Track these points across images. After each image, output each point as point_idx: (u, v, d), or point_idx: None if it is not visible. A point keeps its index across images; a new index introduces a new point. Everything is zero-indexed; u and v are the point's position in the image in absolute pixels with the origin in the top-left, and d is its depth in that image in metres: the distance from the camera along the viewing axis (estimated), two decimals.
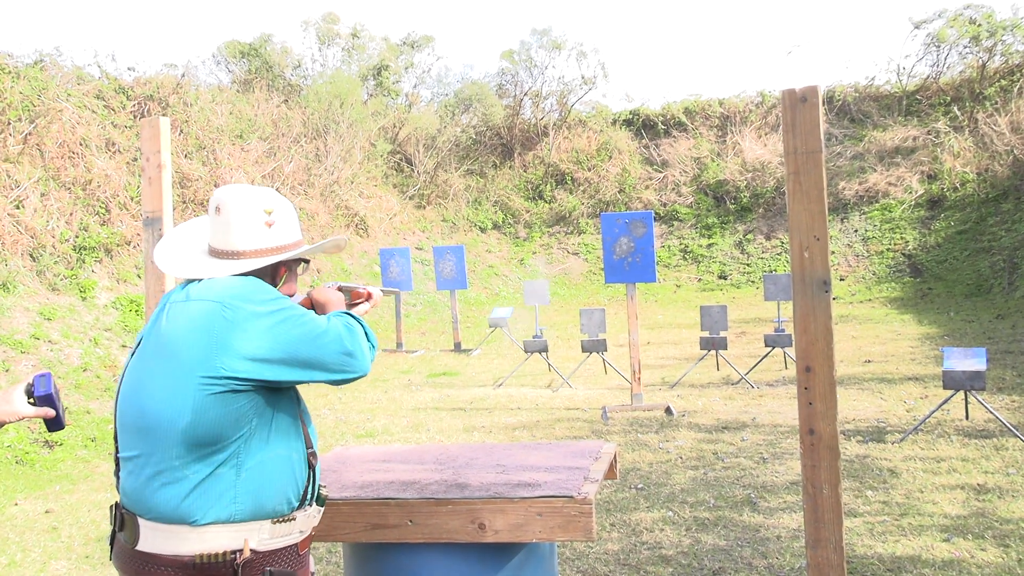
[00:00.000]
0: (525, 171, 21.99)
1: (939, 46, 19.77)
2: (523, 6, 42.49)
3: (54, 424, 2.08)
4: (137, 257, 10.63)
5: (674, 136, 21.67)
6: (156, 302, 2.82)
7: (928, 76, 20.00)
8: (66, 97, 11.44)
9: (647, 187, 20.79)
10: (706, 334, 8.91)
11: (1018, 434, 5.95)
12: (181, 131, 13.08)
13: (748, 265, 18.44)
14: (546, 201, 21.37)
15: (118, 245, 10.43)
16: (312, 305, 2.11)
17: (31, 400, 1.95)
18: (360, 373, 1.87)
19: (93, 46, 23.39)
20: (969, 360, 6.07)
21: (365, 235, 16.54)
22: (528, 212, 21.09)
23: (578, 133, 22.28)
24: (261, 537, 1.80)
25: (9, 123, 10.28)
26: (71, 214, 10.12)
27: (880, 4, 40.44)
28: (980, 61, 19.07)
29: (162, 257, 2.01)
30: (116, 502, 1.87)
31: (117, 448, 1.87)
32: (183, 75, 14.24)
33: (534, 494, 2.35)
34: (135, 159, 11.67)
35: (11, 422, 1.97)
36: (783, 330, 9.13)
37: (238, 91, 16.93)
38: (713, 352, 9.07)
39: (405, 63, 21.10)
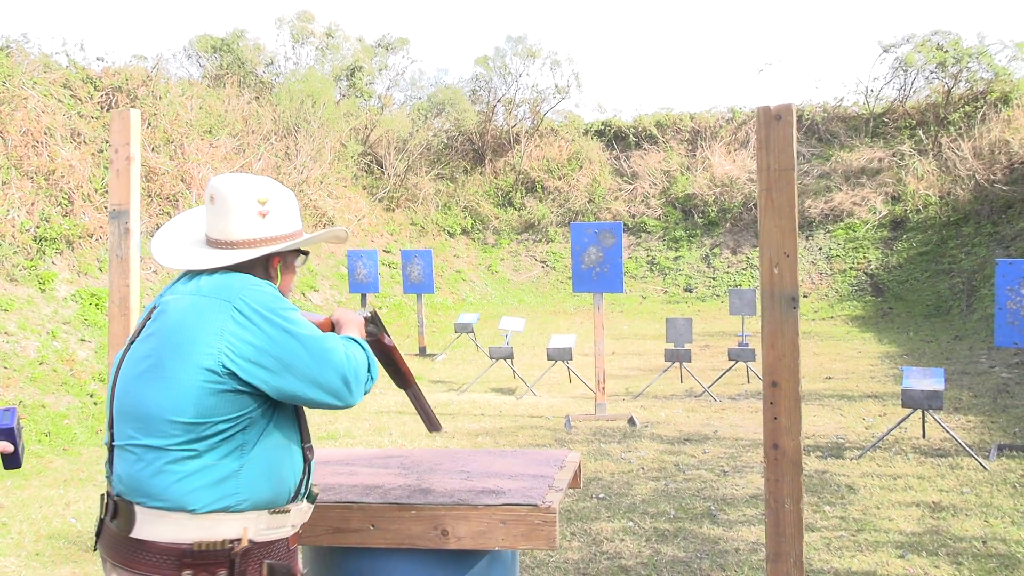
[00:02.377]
0: (496, 177, 21.99)
1: (906, 70, 20.13)
2: (499, 13, 42.56)
3: (11, 461, 2.00)
4: (99, 250, 10.45)
5: (645, 148, 21.81)
6: (120, 296, 2.78)
7: (895, 99, 20.35)
8: (32, 85, 11.24)
9: (616, 198, 20.89)
10: (671, 346, 8.96)
11: (973, 454, 6.05)
12: (149, 124, 12.89)
13: (714, 279, 18.60)
14: (515, 208, 21.38)
15: (80, 237, 10.25)
16: (332, 325, 2.08)
17: None
18: (346, 404, 1.84)
19: (62, 34, 23.02)
20: (927, 380, 6.18)
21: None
22: (497, 218, 21.09)
23: (550, 142, 22.34)
24: (258, 527, 1.80)
25: None
26: (32, 204, 9.93)
27: (850, 27, 41.10)
28: (946, 87, 19.45)
29: (158, 248, 1.98)
30: (107, 491, 1.86)
31: (112, 436, 1.85)
32: (154, 67, 14.06)
33: (498, 501, 2.35)
34: (101, 151, 11.49)
35: None
36: (747, 344, 9.22)
37: (209, 86, 16.74)
38: (677, 364, 9.13)
39: (379, 65, 21.03)
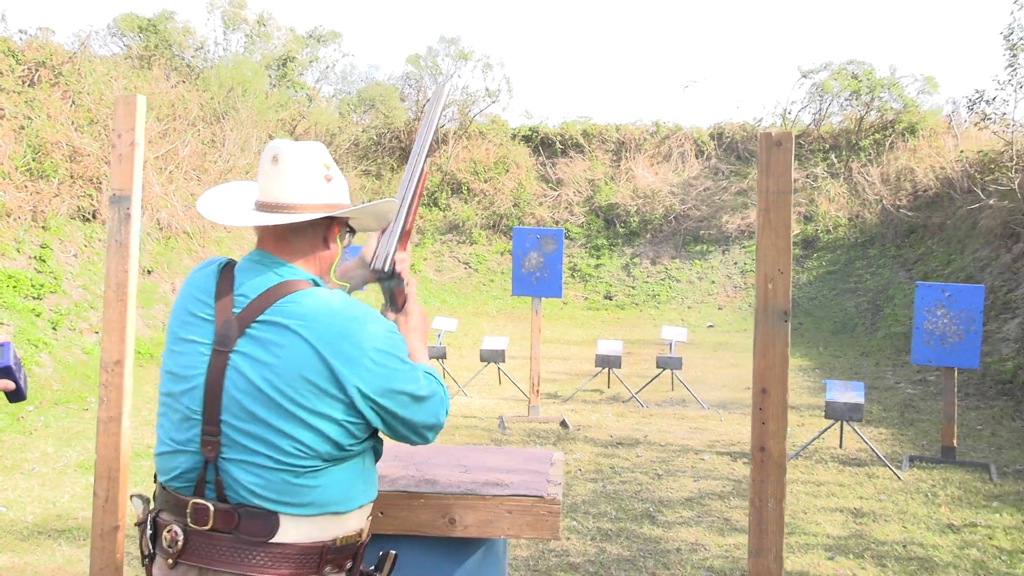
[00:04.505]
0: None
1: (822, 96, 21.06)
2: (432, 13, 42.50)
3: (15, 396, 2.03)
4: (18, 230, 10.06)
5: (570, 156, 22.16)
6: (118, 281, 2.77)
7: (810, 123, 21.25)
8: None
9: (541, 204, 21.16)
10: (602, 352, 9.21)
11: (888, 464, 6.46)
12: (73, 103, 12.46)
13: (633, 288, 19.04)
14: (440, 209, 21.43)
15: (0, 216, 9.85)
16: (402, 303, 2.12)
17: None
18: (422, 443, 1.94)
19: None
20: (849, 393, 6.55)
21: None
22: (422, 218, 21.10)
23: (477, 144, 22.47)
24: (368, 518, 1.92)
25: None
26: None
27: (771, 51, 42.61)
28: (858, 114, 20.43)
29: (209, 207, 1.92)
30: (201, 502, 1.77)
31: (217, 446, 1.77)
32: (82, 44, 13.58)
33: (504, 493, 2.46)
34: (23, 127, 11.06)
35: None
36: (673, 354, 9.54)
37: (134, 67, 16.25)
38: (605, 369, 9.38)
39: (310, 56, 20.78)
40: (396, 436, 1.91)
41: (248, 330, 1.77)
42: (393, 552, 1.97)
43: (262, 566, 1.74)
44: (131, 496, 1.98)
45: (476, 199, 21.46)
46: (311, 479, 1.76)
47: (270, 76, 19.65)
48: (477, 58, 22.21)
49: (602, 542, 4.88)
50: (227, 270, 1.88)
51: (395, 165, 21.86)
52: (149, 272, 11.55)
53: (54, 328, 9.14)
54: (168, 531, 1.77)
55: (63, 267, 10.21)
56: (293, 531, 1.76)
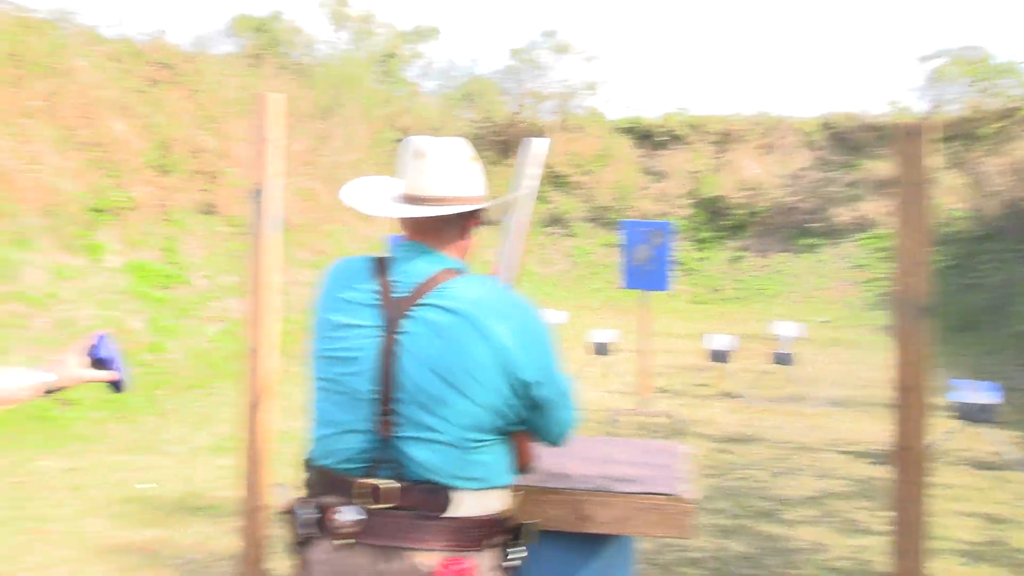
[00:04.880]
0: None
1: (939, 84, 20.16)
2: (531, 6, 42.57)
3: (119, 386, 2.04)
4: (148, 223, 10.57)
5: (672, 148, 21.87)
6: (256, 272, 2.88)
7: (927, 112, 20.37)
8: (83, 56, 11.36)
9: (643, 196, 20.97)
10: (715, 346, 9.07)
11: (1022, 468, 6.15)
12: (195, 101, 13.02)
13: (740, 281, 18.67)
14: (542, 202, 21.48)
15: (130, 209, 10.38)
16: None
17: (91, 363, 1.94)
18: (553, 442, 2.03)
19: (109, 8, 23.11)
20: (981, 393, 6.26)
21: (368, 220, 16.56)
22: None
23: (577, 137, 22.41)
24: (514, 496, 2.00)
25: (27, 79, 10.19)
26: (85, 175, 10.06)
27: (883, 38, 40.99)
28: (978, 102, 19.46)
29: (355, 198, 2.00)
30: (370, 482, 1.82)
31: (384, 421, 1.82)
32: (199, 45, 14.17)
33: (635, 490, 2.44)
34: (149, 125, 11.61)
35: (71, 387, 1.96)
36: (786, 349, 9.31)
37: (248, 65, 16.86)
38: (716, 364, 9.24)
39: (412, 52, 21.11)
40: (537, 427, 1.96)
41: (413, 313, 1.83)
42: (537, 520, 2.04)
43: (435, 540, 1.80)
44: (271, 485, 2.04)
45: (578, 192, 21.41)
46: (479, 454, 1.83)
47: (374, 73, 20.07)
48: (576, 50, 22.16)
49: (722, 539, 4.81)
50: (380, 260, 1.95)
51: (496, 158, 22.00)
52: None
53: (182, 316, 9.58)
54: (338, 513, 1.81)
55: (188, 258, 10.69)
56: (463, 505, 1.83)
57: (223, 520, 5.02)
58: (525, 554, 2.00)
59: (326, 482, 1.87)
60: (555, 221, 21.06)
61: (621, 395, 8.97)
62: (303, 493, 1.92)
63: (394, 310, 1.84)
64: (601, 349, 9.15)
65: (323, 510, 1.84)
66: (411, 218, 1.94)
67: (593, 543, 2.51)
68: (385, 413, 1.82)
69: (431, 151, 1.94)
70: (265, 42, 18.42)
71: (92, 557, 4.45)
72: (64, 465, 5.89)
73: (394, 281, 1.88)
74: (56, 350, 7.38)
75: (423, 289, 1.85)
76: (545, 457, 2.75)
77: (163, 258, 10.30)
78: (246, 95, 14.79)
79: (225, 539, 4.73)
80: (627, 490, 2.45)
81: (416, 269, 1.89)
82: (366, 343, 1.85)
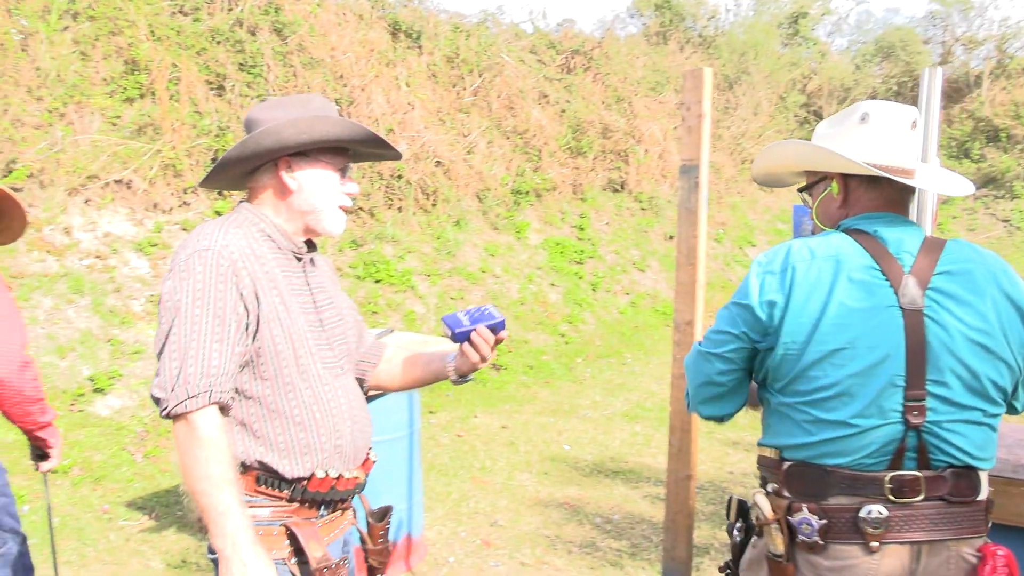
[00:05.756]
0: (949, 126, 19.76)
1: None
2: None
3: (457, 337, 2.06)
4: (562, 203, 11.32)
5: None
6: (688, 246, 2.91)
7: None
8: (506, 52, 12.44)
9: None
10: None
11: None
12: (603, 84, 13.62)
13: None
14: (973, 160, 19.06)
15: (547, 190, 11.19)
16: None
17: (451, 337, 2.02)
18: None
19: (528, 4, 25.15)
20: None
21: (769, 191, 16.07)
22: (952, 171, 19.01)
23: (1019, 84, 19.47)
24: None
25: (463, 77, 11.42)
26: (510, 161, 11.05)
27: None
28: None
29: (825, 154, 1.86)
30: (897, 475, 1.71)
31: (914, 407, 1.70)
32: (607, 30, 14.78)
33: None
34: (563, 111, 12.39)
35: (477, 368, 2.07)
36: None
37: (651, 43, 17.21)
38: None
39: (822, 9, 19.91)
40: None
41: (931, 284, 1.71)
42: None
43: (970, 527, 1.71)
44: (731, 499, 1.95)
45: (1019, 147, 18.65)
46: (995, 429, 1.74)
47: (781, 35, 19.29)
48: None
49: None
50: (861, 236, 1.78)
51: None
52: (671, 237, 12.20)
53: (593, 289, 10.15)
54: (867, 512, 1.68)
55: (599, 234, 11.27)
56: (983, 486, 1.74)
57: (640, 485, 5.23)
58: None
59: (835, 483, 1.72)
60: (989, 181, 18.59)
61: None
62: (782, 497, 1.76)
63: (910, 286, 1.71)
64: None
65: (829, 515, 1.71)
66: (908, 194, 1.87)
67: None
68: (915, 399, 1.68)
69: (915, 120, 1.85)
70: (668, 18, 18.63)
71: (524, 508, 4.90)
72: (498, 423, 6.56)
73: (899, 253, 1.75)
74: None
75: (930, 257, 1.73)
76: (1005, 448, 2.45)
77: (576, 235, 10.96)
78: (652, 73, 15.13)
79: (643, 503, 4.93)
80: None
81: (910, 238, 1.76)
82: (889, 325, 1.70)
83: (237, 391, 1.84)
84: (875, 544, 1.66)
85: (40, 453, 2.79)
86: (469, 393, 7.23)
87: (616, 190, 12.38)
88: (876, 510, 1.67)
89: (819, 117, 19.23)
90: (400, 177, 9.29)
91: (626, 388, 7.56)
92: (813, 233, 1.92)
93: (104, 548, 4.30)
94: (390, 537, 2.17)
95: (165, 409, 1.71)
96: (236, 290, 1.79)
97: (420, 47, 11.20)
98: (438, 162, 9.87)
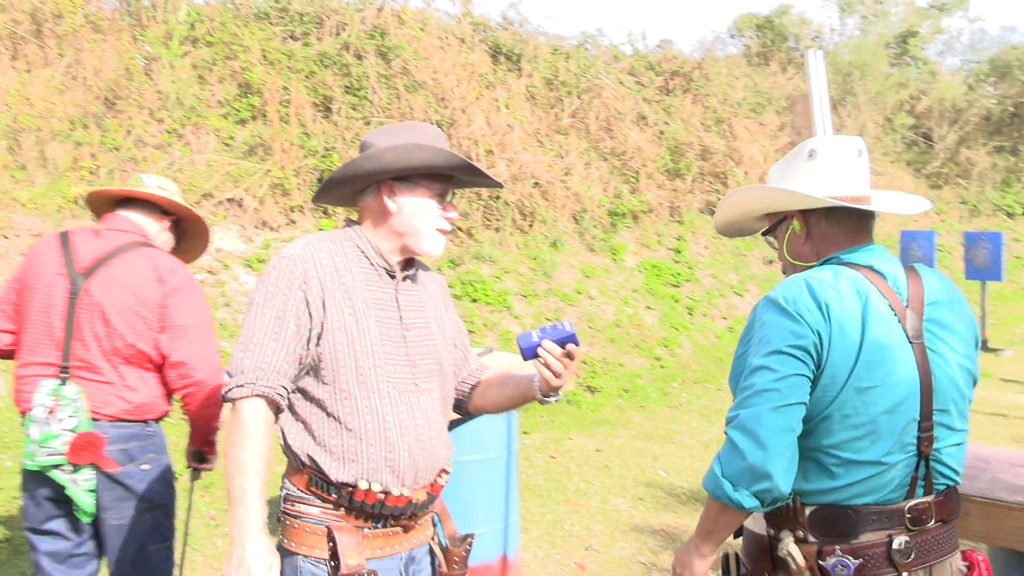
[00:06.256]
0: None
1: None
2: None
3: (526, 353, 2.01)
4: (659, 224, 11.23)
5: None
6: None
7: None
8: (605, 74, 12.45)
9: None
10: None
11: None
12: (702, 105, 13.48)
13: None
14: None
15: (644, 212, 11.12)
16: None
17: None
18: None
19: (628, 26, 25.17)
20: None
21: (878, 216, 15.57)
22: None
23: None
24: None
25: (561, 99, 11.49)
26: (607, 182, 11.03)
27: None
28: None
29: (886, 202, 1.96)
30: (912, 505, 1.76)
31: (925, 438, 1.75)
32: (706, 51, 14.64)
33: None
34: (662, 132, 12.31)
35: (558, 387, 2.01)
36: None
37: (752, 64, 16.95)
38: None
39: (933, 28, 19.25)
40: None
41: (925, 315, 1.78)
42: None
43: (957, 540, 1.84)
44: (727, 555, 1.92)
45: None
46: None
47: (888, 55, 18.73)
48: None
49: None
50: (862, 270, 1.80)
51: None
52: (770, 262, 11.94)
53: (690, 313, 10.01)
54: (897, 544, 1.72)
55: (696, 257, 11.12)
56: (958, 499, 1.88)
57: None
58: None
59: (864, 520, 1.73)
60: None
61: None
62: (808, 543, 1.74)
63: (912, 319, 1.76)
64: None
65: (866, 550, 1.72)
66: (869, 221, 1.89)
67: None
68: (926, 430, 1.74)
69: (861, 148, 1.90)
70: (770, 39, 18.33)
71: (619, 533, 4.86)
72: (592, 445, 6.53)
73: (896, 289, 1.79)
74: (582, 342, 8.09)
75: (918, 290, 1.79)
76: (993, 465, 2.52)
77: (673, 257, 10.85)
78: (752, 94, 14.89)
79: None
80: None
81: (901, 272, 1.81)
82: (905, 361, 1.73)
83: (302, 392, 1.95)
84: (906, 574, 1.72)
85: (201, 457, 3.04)
86: (563, 415, 7.23)
87: (714, 212, 12.20)
88: (903, 541, 1.72)
89: (928, 139, 18.55)
90: (498, 198, 9.39)
91: (723, 415, 7.38)
92: (784, 271, 1.98)
93: (211, 553, 4.46)
94: (483, 559, 2.20)
95: (221, 394, 1.87)
96: (303, 295, 1.90)
97: (520, 69, 11.32)
98: (536, 183, 9.93)
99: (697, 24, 40.00)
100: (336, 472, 1.92)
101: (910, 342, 1.74)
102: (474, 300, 8.22)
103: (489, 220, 9.33)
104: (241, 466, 1.81)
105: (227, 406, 1.91)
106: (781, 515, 1.77)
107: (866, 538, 1.72)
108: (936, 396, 1.74)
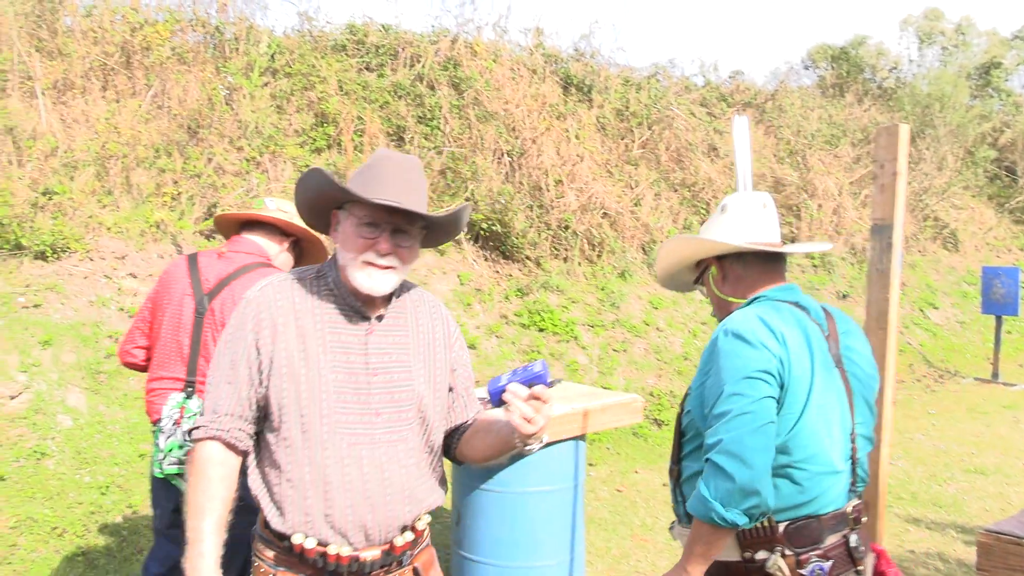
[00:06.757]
0: None
1: None
2: None
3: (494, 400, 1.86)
4: None
5: None
6: (879, 309, 2.77)
7: None
8: (676, 105, 12.40)
9: None
10: None
11: None
12: (776, 136, 13.30)
13: None
14: None
15: None
16: None
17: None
18: None
19: (700, 57, 25.08)
20: None
21: (955, 250, 15.09)
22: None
23: None
24: None
25: (631, 130, 11.46)
26: (678, 214, 10.94)
27: None
28: None
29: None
30: (854, 505, 2.07)
31: (856, 446, 2.07)
32: (780, 82, 14.47)
33: None
34: (733, 163, 12.16)
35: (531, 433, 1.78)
36: None
37: (828, 95, 16.69)
38: None
39: (1017, 59, 18.70)
40: None
41: (840, 343, 2.08)
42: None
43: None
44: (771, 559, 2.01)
45: None
46: None
47: (970, 87, 18.24)
48: None
49: None
50: (791, 306, 2.09)
51: None
52: (844, 296, 11.65)
53: None
54: (854, 542, 2.00)
55: None
56: None
57: None
58: None
59: (827, 526, 1.96)
60: None
61: None
62: (786, 556, 1.95)
63: (833, 346, 2.04)
64: None
65: (833, 551, 1.97)
66: (778, 263, 2.16)
67: None
68: (853, 439, 2.03)
69: (765, 202, 2.22)
70: (845, 69, 18.03)
71: None
72: (659, 480, 6.41)
73: (819, 322, 2.07)
74: (649, 374, 7.99)
75: (832, 323, 2.10)
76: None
77: None
78: (827, 126, 14.64)
79: None
80: None
81: (816, 306, 2.13)
82: (837, 381, 2.01)
83: (259, 435, 1.90)
84: (861, 567, 2.00)
85: None
86: (629, 447, 7.12)
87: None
88: (856, 538, 2.00)
89: (1012, 173, 17.95)
90: (567, 228, 9.39)
91: None
92: (714, 312, 2.28)
93: None
94: None
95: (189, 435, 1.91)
96: (253, 337, 1.85)
97: (590, 100, 11.35)
98: (605, 213, 9.90)
99: (770, 55, 39.58)
100: (276, 521, 1.85)
101: (835, 366, 2.02)
102: (541, 330, 8.19)
103: (557, 250, 9.32)
104: (195, 507, 1.78)
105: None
106: (754, 536, 1.93)
107: (830, 541, 1.96)
108: (856, 411, 2.04)
